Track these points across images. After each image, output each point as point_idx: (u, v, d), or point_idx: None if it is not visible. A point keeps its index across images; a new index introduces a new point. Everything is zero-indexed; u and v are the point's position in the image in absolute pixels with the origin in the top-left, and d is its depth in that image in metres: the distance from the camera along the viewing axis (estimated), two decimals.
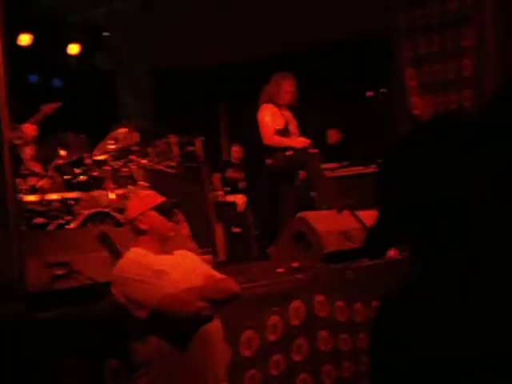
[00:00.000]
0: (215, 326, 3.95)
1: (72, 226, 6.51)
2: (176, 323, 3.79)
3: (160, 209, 4.08)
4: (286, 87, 7.66)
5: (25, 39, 10.24)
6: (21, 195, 6.62)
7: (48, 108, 6.77)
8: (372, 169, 8.33)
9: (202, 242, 7.81)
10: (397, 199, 1.47)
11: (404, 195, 1.46)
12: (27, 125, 6.74)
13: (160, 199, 4.18)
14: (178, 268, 3.98)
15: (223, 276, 4.12)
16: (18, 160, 7.00)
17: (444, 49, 8.66)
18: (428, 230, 1.44)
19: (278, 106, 7.66)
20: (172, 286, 3.81)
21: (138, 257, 3.97)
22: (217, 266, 7.58)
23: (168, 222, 4.09)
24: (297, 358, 5.28)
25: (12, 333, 3.67)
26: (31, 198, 6.89)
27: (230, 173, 10.29)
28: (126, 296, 3.80)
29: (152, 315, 3.72)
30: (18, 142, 6.62)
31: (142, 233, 4.04)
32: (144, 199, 4.26)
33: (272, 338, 5.06)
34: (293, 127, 7.74)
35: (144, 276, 3.80)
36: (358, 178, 8.28)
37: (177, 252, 4.17)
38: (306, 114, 7.84)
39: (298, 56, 10.07)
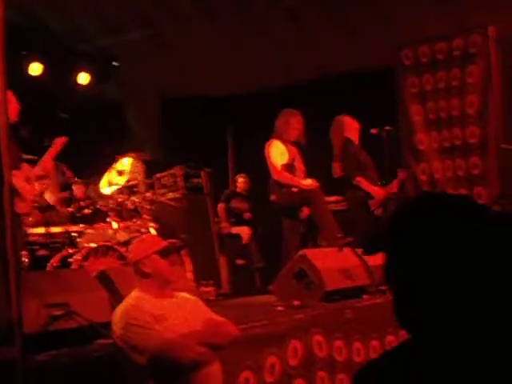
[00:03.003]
0: (215, 369, 3.95)
1: (75, 258, 6.58)
2: (176, 368, 3.79)
3: (163, 252, 4.10)
4: (294, 124, 7.72)
5: (35, 69, 10.32)
6: (27, 228, 6.68)
7: (59, 142, 6.73)
8: None
9: (206, 273, 7.86)
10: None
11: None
12: (46, 159, 6.62)
13: (164, 244, 4.20)
14: (177, 312, 3.99)
15: (223, 319, 4.13)
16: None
17: (449, 85, 8.73)
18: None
19: (284, 141, 7.71)
20: (171, 331, 3.82)
21: (138, 302, 3.97)
22: (219, 298, 7.68)
23: (170, 266, 4.12)
24: None
25: (10, 375, 3.70)
26: (36, 230, 6.96)
27: (236, 203, 10.30)
28: (126, 341, 3.80)
29: (152, 361, 3.72)
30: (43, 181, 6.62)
31: (145, 276, 4.05)
32: (148, 243, 4.27)
33: (270, 379, 5.05)
34: (298, 163, 7.77)
35: (144, 322, 3.81)
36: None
37: (177, 295, 4.17)
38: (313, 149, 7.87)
39: (305, 90, 10.14)
